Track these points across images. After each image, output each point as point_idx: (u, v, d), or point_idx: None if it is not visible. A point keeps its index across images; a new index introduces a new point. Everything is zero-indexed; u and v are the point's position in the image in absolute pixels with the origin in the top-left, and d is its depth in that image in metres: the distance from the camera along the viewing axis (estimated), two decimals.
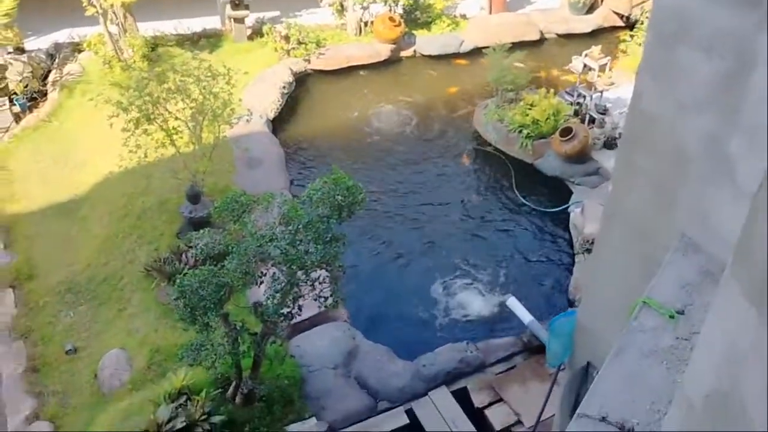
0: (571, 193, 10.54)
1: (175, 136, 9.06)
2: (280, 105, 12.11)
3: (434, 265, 9.56)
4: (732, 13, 3.49)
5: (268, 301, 6.00)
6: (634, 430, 3.37)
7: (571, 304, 8.89)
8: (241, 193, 6.48)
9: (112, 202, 10.04)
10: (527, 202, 10.55)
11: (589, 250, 9.38)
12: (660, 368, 3.62)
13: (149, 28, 13.20)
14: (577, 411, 3.44)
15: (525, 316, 8.39)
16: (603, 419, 3.37)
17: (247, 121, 10.14)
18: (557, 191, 10.65)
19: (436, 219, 10.36)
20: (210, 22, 13.97)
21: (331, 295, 6.16)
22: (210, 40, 13.49)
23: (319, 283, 6.14)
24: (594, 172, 10.56)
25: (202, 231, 6.48)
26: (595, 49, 10.79)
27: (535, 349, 8.20)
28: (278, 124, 12.01)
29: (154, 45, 12.81)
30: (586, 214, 9.65)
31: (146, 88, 8.67)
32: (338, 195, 5.99)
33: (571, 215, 10.07)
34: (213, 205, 8.31)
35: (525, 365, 8.13)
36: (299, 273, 5.95)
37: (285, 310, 6.16)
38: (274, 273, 6.14)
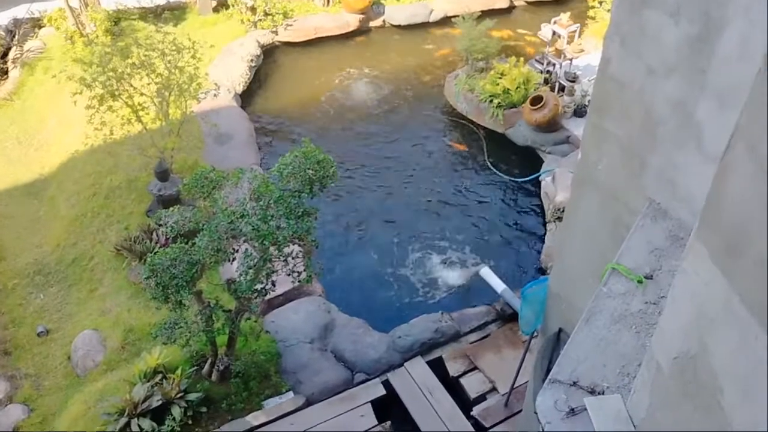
0: (542, 161, 10.57)
1: (141, 113, 8.90)
2: (249, 78, 11.94)
3: (407, 235, 9.57)
4: None
5: (242, 278, 5.95)
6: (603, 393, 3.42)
7: (543, 272, 8.97)
8: (211, 169, 6.38)
9: (80, 182, 9.86)
10: (499, 172, 10.56)
11: (560, 218, 9.45)
12: (629, 333, 3.67)
13: (111, 1, 12.87)
14: (549, 376, 3.48)
15: (498, 285, 8.50)
16: (574, 384, 3.41)
17: (215, 95, 9.98)
18: (529, 160, 10.68)
19: (409, 189, 10.33)
20: None
21: (304, 270, 6.12)
22: (174, 12, 13.20)
23: (292, 258, 6.09)
24: (564, 141, 10.59)
25: (171, 209, 6.38)
26: (564, 17, 10.75)
27: (508, 317, 8.27)
28: (247, 97, 11.85)
29: (116, 19, 12.52)
30: (557, 183, 9.69)
31: (110, 64, 8.48)
32: (309, 169, 5.93)
33: (543, 183, 10.11)
34: (182, 182, 8.23)
35: (499, 333, 8.20)
36: (272, 249, 5.89)
37: (259, 286, 6.12)
38: (247, 249, 6.08)
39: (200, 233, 6.05)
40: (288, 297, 8.31)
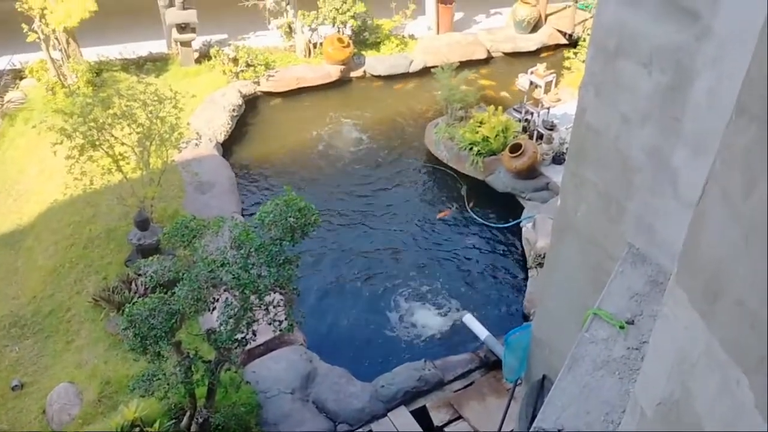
0: (522, 208, 10.66)
1: (121, 162, 8.89)
2: (230, 128, 12.00)
3: (389, 282, 9.54)
4: (670, 29, 3.59)
5: (222, 327, 5.88)
6: None
7: (527, 318, 8.95)
8: (191, 218, 6.36)
9: (58, 232, 9.77)
10: (480, 219, 10.63)
11: (541, 264, 9.48)
12: (613, 379, 3.66)
13: (93, 53, 12.97)
14: (534, 424, 3.45)
15: (481, 332, 8.46)
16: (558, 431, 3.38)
17: (197, 144, 10.02)
18: (509, 207, 10.77)
19: (389, 235, 10.35)
20: (156, 46, 13.80)
21: (285, 319, 6.07)
22: (156, 64, 13.31)
23: (273, 307, 6.04)
24: (544, 187, 10.71)
25: (151, 258, 6.33)
26: (540, 67, 10.99)
27: (492, 364, 8.21)
28: (229, 147, 11.90)
29: (98, 70, 12.59)
30: (537, 229, 9.76)
31: (91, 114, 8.50)
32: (290, 217, 5.93)
33: (524, 230, 10.18)
34: (162, 231, 8.18)
35: (483, 381, 8.14)
36: (252, 297, 5.84)
37: (239, 336, 6.04)
38: (227, 298, 6.02)
39: (180, 283, 5.99)
40: (269, 347, 8.21)
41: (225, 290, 6.04)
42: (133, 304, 5.98)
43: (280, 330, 6.09)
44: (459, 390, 8.05)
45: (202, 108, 12.02)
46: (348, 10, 13.21)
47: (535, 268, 9.53)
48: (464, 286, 9.57)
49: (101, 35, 13.29)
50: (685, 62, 3.59)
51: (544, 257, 9.43)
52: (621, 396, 3.54)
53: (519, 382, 6.25)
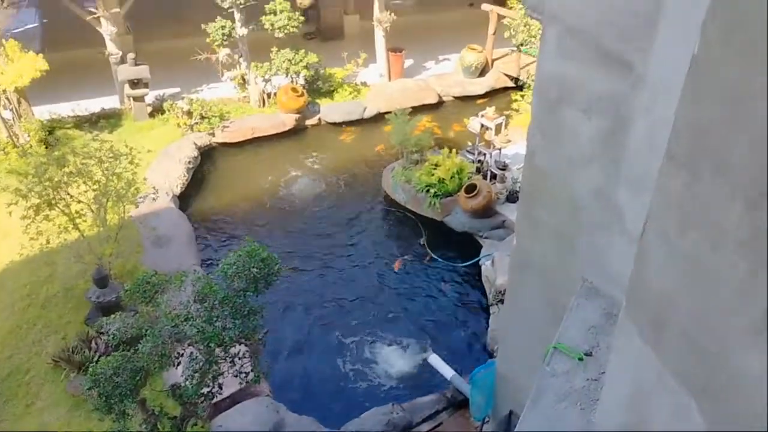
0: (480, 246, 10.88)
1: (78, 220, 8.85)
2: (187, 180, 12.03)
3: (352, 326, 9.59)
4: (606, 78, 3.85)
5: (187, 382, 5.86)
6: None
7: (491, 355, 9.08)
8: (153, 274, 6.38)
9: (15, 293, 9.60)
10: (439, 258, 10.81)
11: (502, 301, 9.67)
12: (575, 410, 3.80)
13: (45, 111, 12.92)
14: None
15: (447, 371, 8.56)
16: None
17: (153, 199, 10.02)
18: (467, 246, 10.98)
19: (351, 280, 10.44)
20: (108, 102, 13.81)
21: (252, 370, 6.09)
22: (110, 120, 13.31)
23: (239, 359, 6.06)
24: (500, 225, 10.97)
25: (113, 315, 6.30)
26: (490, 110, 11.37)
27: (459, 403, 8.28)
28: (186, 199, 11.90)
29: (51, 128, 12.53)
30: (496, 267, 9.97)
31: (46, 173, 8.48)
32: (253, 267, 6.00)
33: (483, 268, 10.38)
34: (122, 288, 8.14)
35: (451, 421, 8.19)
36: (218, 350, 5.86)
37: (205, 390, 6.03)
38: (192, 352, 6.03)
39: (143, 339, 5.97)
40: (235, 399, 8.14)
41: (189, 344, 6.04)
42: (98, 362, 5.94)
43: (247, 382, 6.10)
44: None
45: (158, 161, 12.04)
46: (300, 60, 13.47)
47: (496, 304, 9.70)
48: (428, 326, 9.68)
49: (53, 93, 13.26)
50: (622, 108, 3.85)
51: (504, 294, 9.64)
52: (583, 426, 3.68)
53: (486, 420, 6.36)
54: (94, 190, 8.62)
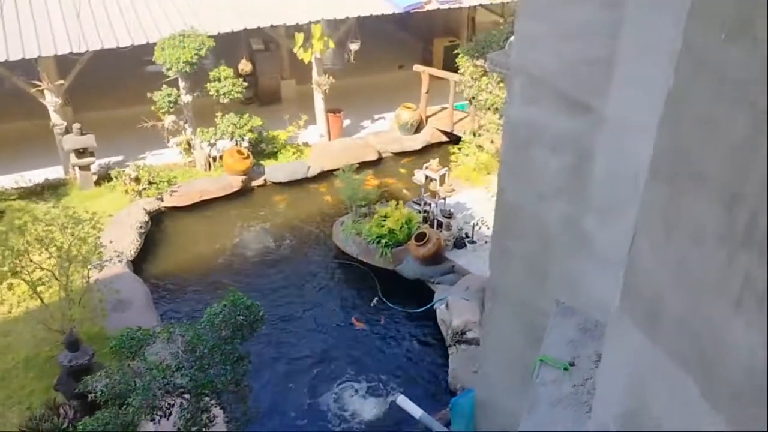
0: (433, 292, 11.36)
1: (40, 288, 8.88)
2: (139, 245, 12.11)
3: (317, 380, 9.82)
4: (569, 119, 4.45)
5: (186, 430, 6.02)
6: None
7: (453, 393, 9.46)
8: (137, 329, 6.55)
9: None
10: (395, 306, 11.21)
11: (459, 342, 10.14)
12: (567, 412, 4.25)
13: None
14: None
15: (415, 410, 8.86)
16: None
17: (115, 263, 10.10)
18: (420, 292, 11.44)
19: (309, 332, 10.69)
20: (52, 173, 13.80)
21: (243, 414, 6.29)
22: (55, 190, 13.30)
23: (228, 405, 6.26)
24: (450, 271, 11.51)
25: (99, 373, 6.41)
26: (434, 162, 12.04)
27: None
28: (139, 263, 11.96)
29: None
30: (451, 309, 10.45)
31: (7, 242, 8.52)
32: (239, 315, 6.28)
33: (438, 312, 10.83)
34: (93, 351, 8.19)
35: None
36: (207, 398, 6.06)
37: None
38: (182, 402, 6.19)
39: (133, 393, 6.11)
40: None
41: (179, 395, 6.21)
42: (81, 424, 6.03)
43: (238, 426, 6.29)
44: None
45: (109, 228, 12.07)
46: (245, 124, 13.89)
47: (454, 345, 10.14)
48: (390, 371, 10.01)
49: None
50: (585, 145, 4.45)
51: (461, 335, 10.12)
52: (577, 425, 4.13)
53: None
54: (58, 257, 8.68)
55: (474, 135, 14.35)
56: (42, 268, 8.75)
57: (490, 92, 13.12)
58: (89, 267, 8.93)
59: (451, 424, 6.43)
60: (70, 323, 8.99)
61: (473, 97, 13.82)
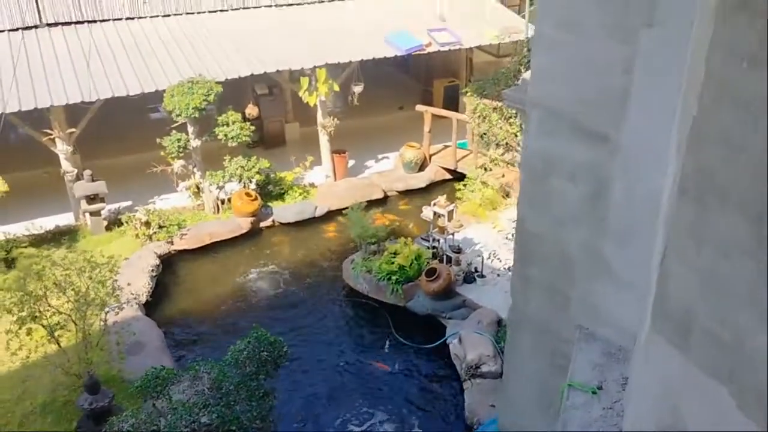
0: (444, 327, 11.43)
1: (59, 332, 8.96)
2: (151, 288, 12.21)
3: (334, 417, 9.83)
4: (586, 149, 4.63)
5: None
6: None
7: (470, 428, 9.49)
8: (161, 369, 6.63)
9: None
10: (407, 342, 11.27)
11: (474, 375, 10.18)
12: None
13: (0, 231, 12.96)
14: None
15: None
16: None
17: (132, 306, 10.21)
18: (432, 328, 11.51)
19: (324, 371, 10.73)
20: (62, 219, 13.97)
21: None
22: (66, 236, 13.44)
23: None
24: (461, 305, 11.60)
25: (125, 413, 6.47)
26: (441, 199, 12.24)
27: None
28: (152, 306, 12.04)
29: (7, 249, 12.54)
30: (465, 343, 10.51)
31: (26, 287, 8.63)
32: (263, 351, 6.37)
33: (450, 347, 10.89)
34: (111, 393, 8.25)
35: None
36: None
37: None
38: None
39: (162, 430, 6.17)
40: None
41: None
42: None
43: None
44: None
45: (121, 272, 12.15)
46: (253, 166, 14.11)
47: (469, 379, 10.18)
48: (406, 407, 10.03)
49: (3, 215, 13.35)
50: (603, 173, 4.62)
51: (475, 368, 10.17)
52: None
53: None
54: (75, 301, 8.78)
55: (484, 169, 14.60)
56: (60, 312, 8.84)
57: (501, 128, 13.41)
58: (107, 310, 9.03)
59: None
60: (87, 367, 9.04)
61: (484, 134, 14.10)
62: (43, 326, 8.85)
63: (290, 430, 9.51)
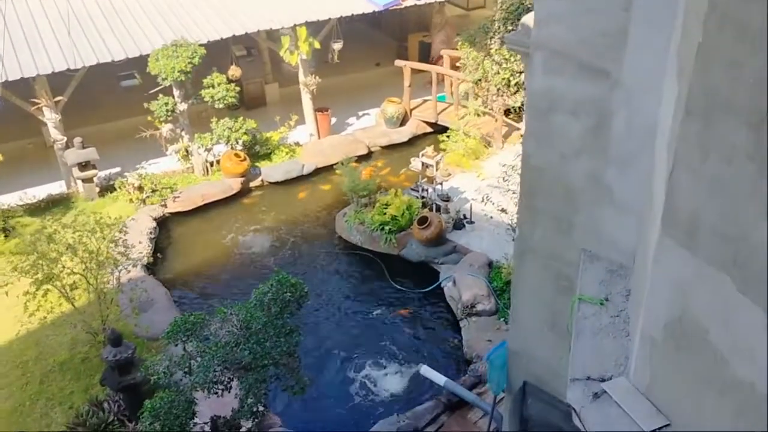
0: (437, 272, 11.97)
1: (72, 292, 9.29)
2: (151, 249, 12.51)
3: (340, 358, 10.38)
4: (588, 85, 5.08)
5: (246, 400, 6.52)
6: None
7: (469, 362, 10.10)
8: (190, 314, 7.04)
9: (7, 375, 9.78)
10: (403, 287, 11.80)
11: (470, 314, 10.77)
12: (608, 339, 4.87)
13: None
14: (569, 377, 4.56)
15: (439, 378, 9.47)
16: (588, 378, 4.52)
17: (142, 264, 10.56)
18: (426, 274, 12.05)
19: (328, 319, 11.23)
20: (53, 188, 14.12)
21: (296, 383, 6.83)
22: (60, 204, 13.62)
23: (282, 375, 6.79)
24: (452, 251, 12.14)
25: (158, 356, 6.89)
26: (429, 149, 12.68)
27: (455, 405, 9.22)
28: (153, 266, 12.36)
29: (4, 218, 12.70)
30: (459, 285, 11.08)
31: (42, 248, 8.93)
32: (286, 292, 6.81)
33: (445, 289, 11.45)
34: (133, 345, 8.64)
35: (451, 421, 9.11)
36: (269, 369, 6.58)
37: (257, 408, 6.70)
38: (239, 376, 6.70)
39: (194, 371, 6.61)
40: None
41: (236, 369, 6.72)
42: (156, 398, 6.52)
43: (294, 393, 6.83)
44: None
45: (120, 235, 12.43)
46: (240, 127, 14.36)
47: (465, 318, 10.76)
48: (408, 346, 10.60)
49: None
50: (604, 107, 5.08)
51: (471, 307, 10.74)
52: (618, 349, 4.75)
53: (502, 396, 7.34)
54: (90, 260, 9.09)
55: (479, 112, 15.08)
56: (74, 273, 9.15)
57: (497, 73, 13.86)
58: (120, 269, 9.36)
59: (488, 375, 7.03)
60: (102, 324, 9.41)
61: (479, 80, 14.50)
62: (56, 288, 9.16)
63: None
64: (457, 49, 15.78)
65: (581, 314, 5.08)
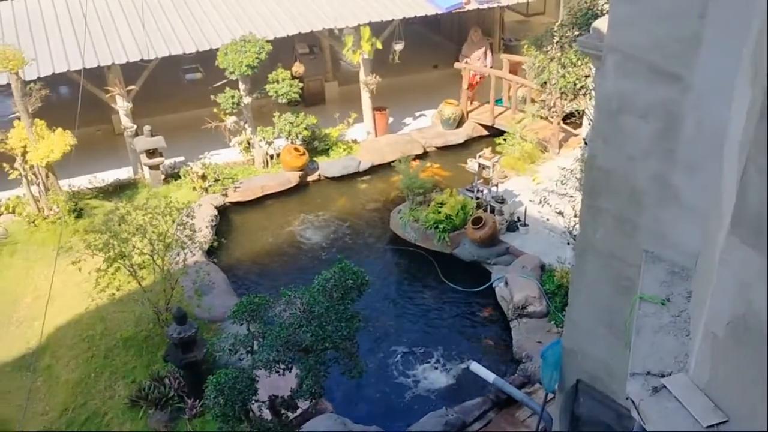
0: (489, 273, 12.10)
1: (140, 272, 9.73)
2: (212, 236, 12.94)
3: (392, 351, 10.60)
4: (659, 88, 5.19)
5: (305, 380, 6.78)
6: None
7: (518, 362, 10.21)
8: (254, 296, 7.35)
9: (74, 347, 10.28)
10: (456, 286, 11.97)
11: (521, 315, 10.88)
12: (669, 337, 4.97)
13: (65, 184, 13.68)
14: (629, 371, 4.68)
15: (489, 375, 9.58)
16: (648, 373, 4.63)
17: (203, 248, 10.97)
18: (478, 273, 12.18)
19: (384, 314, 11.46)
20: (121, 173, 14.71)
21: (354, 367, 7.07)
22: (127, 189, 14.19)
23: (342, 359, 7.05)
24: (505, 252, 12.25)
25: (224, 335, 7.23)
26: (487, 151, 12.83)
27: (503, 403, 9.35)
28: (212, 253, 12.78)
29: (76, 200, 13.29)
30: (511, 286, 11.19)
31: (113, 228, 9.38)
32: (348, 279, 7.06)
33: (497, 290, 11.57)
34: (196, 325, 9.02)
35: (499, 419, 9.24)
36: (329, 351, 6.84)
37: (315, 390, 6.96)
38: (300, 357, 6.97)
39: (259, 349, 6.91)
40: (305, 417, 9.00)
41: (299, 351, 6.99)
42: (221, 372, 6.84)
43: (351, 376, 7.07)
44: (480, 430, 9.10)
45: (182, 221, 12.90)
46: (301, 122, 14.72)
47: (516, 319, 10.87)
48: (459, 344, 10.77)
49: (65, 169, 14.04)
50: (674, 110, 5.19)
51: (522, 309, 10.84)
52: (678, 346, 4.85)
53: (554, 394, 7.46)
54: (159, 242, 9.51)
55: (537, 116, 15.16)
56: (143, 253, 9.59)
57: (563, 76, 13.89)
58: (186, 251, 9.76)
59: (542, 371, 7.16)
60: (166, 303, 9.83)
61: (545, 82, 14.56)
62: (125, 266, 9.60)
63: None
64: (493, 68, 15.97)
65: (642, 312, 5.19)
